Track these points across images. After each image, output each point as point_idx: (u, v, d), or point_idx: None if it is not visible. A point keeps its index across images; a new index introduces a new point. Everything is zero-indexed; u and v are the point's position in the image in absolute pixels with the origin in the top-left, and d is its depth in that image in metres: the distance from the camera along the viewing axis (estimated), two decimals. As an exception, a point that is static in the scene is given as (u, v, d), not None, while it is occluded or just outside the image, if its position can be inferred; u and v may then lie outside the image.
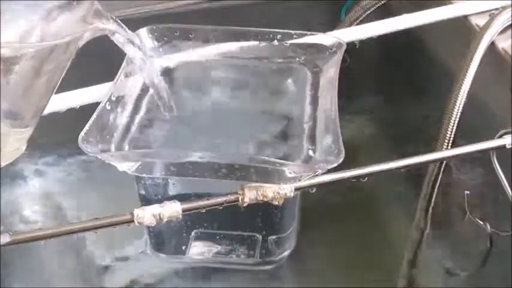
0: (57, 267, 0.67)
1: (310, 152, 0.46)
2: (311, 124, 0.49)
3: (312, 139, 0.48)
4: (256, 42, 0.57)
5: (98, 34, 0.43)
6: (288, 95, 0.54)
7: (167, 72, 0.55)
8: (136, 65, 0.48)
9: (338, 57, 0.54)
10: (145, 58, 0.48)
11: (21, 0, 0.38)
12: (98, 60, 0.47)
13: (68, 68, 0.41)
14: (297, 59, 0.56)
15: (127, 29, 0.45)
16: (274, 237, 0.62)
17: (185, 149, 0.48)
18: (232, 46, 0.57)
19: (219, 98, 0.54)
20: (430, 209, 0.62)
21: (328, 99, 0.50)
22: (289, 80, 0.55)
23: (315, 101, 0.52)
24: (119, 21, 0.44)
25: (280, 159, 0.46)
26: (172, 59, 0.56)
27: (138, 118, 0.50)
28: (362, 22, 0.73)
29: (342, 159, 0.43)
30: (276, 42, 0.56)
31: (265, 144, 0.48)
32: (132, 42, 0.46)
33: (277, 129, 0.50)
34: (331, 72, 0.54)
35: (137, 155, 0.47)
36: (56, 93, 0.54)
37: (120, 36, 0.45)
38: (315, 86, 0.53)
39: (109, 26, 0.43)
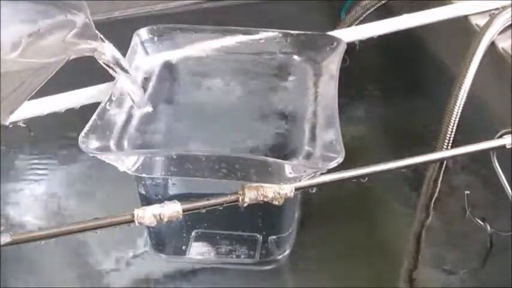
0: (56, 268, 0.67)
1: (310, 149, 0.46)
2: (311, 121, 0.49)
3: (312, 136, 0.48)
4: (256, 39, 0.57)
5: (86, 54, 0.43)
6: (288, 92, 0.54)
7: (167, 68, 0.55)
8: (120, 86, 0.48)
9: (339, 55, 0.54)
10: (132, 81, 0.48)
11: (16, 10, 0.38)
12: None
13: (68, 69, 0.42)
14: (298, 55, 0.56)
15: (117, 51, 0.45)
16: (274, 237, 0.62)
17: (184, 147, 0.48)
18: (232, 42, 0.57)
19: (218, 94, 0.54)
20: (431, 209, 0.62)
21: (329, 96, 0.50)
22: (290, 77, 0.55)
23: (315, 98, 0.52)
24: (107, 41, 0.44)
25: (280, 156, 0.46)
26: (172, 55, 0.56)
27: (137, 116, 0.50)
28: (362, 22, 0.73)
29: (342, 159, 0.43)
30: (277, 40, 0.56)
31: (265, 141, 0.48)
32: (119, 65, 0.46)
33: (277, 125, 0.50)
34: (331, 69, 0.54)
35: (137, 155, 0.47)
36: (56, 93, 0.54)
37: (106, 58, 0.45)
38: (315, 83, 0.53)
39: (99, 48, 0.43)
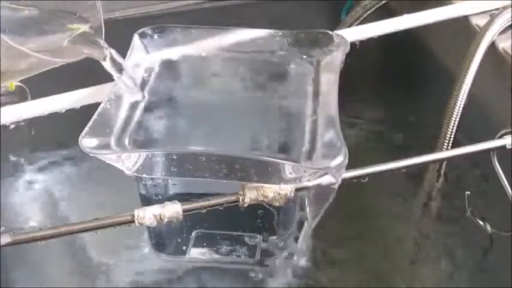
0: (57, 267, 0.67)
1: (311, 149, 0.46)
2: (311, 120, 0.49)
3: (313, 136, 0.47)
4: (256, 38, 0.57)
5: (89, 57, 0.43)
6: (288, 91, 0.53)
7: (168, 67, 0.55)
8: (121, 87, 0.49)
9: (340, 54, 0.54)
10: (133, 86, 0.49)
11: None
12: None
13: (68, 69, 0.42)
14: (298, 53, 0.56)
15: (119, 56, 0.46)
16: (274, 237, 0.62)
17: (184, 146, 0.48)
18: (232, 41, 0.57)
19: (218, 93, 0.54)
20: (430, 209, 0.62)
21: (329, 95, 0.50)
22: (290, 75, 0.55)
23: (315, 97, 0.52)
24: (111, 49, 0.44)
25: (281, 156, 0.45)
26: (172, 54, 0.56)
27: (137, 116, 0.50)
28: (362, 22, 0.73)
29: (346, 159, 0.43)
30: (277, 39, 0.56)
31: (265, 141, 0.48)
32: (121, 69, 0.47)
33: (277, 125, 0.49)
34: (332, 67, 0.53)
35: (137, 153, 0.47)
36: (56, 93, 0.54)
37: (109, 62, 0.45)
38: (316, 82, 0.53)
39: (104, 53, 0.44)
